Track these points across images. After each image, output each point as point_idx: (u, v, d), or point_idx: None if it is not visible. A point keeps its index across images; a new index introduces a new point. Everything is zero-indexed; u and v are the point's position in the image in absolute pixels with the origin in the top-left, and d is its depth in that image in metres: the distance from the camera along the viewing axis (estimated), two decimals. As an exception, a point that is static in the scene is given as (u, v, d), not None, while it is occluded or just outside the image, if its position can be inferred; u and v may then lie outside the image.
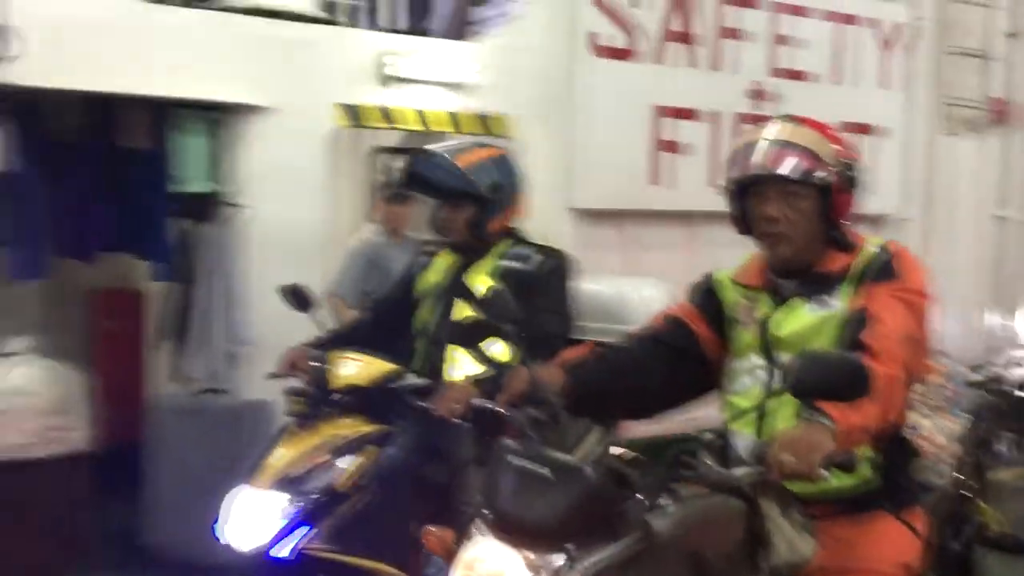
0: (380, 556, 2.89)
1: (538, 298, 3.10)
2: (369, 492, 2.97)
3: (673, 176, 6.14)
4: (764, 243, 2.22)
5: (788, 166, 2.15)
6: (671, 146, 6.11)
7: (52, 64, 4.16)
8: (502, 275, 3.24)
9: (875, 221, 7.21)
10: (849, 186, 2.20)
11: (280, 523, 2.90)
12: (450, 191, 3.32)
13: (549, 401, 2.09)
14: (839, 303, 2.15)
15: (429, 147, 3.69)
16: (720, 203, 7.01)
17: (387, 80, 5.19)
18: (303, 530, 2.87)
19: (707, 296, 2.39)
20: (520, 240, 3.47)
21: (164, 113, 4.73)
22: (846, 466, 1.84)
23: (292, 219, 4.88)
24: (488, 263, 3.33)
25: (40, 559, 4.35)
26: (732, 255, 6.88)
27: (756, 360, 2.21)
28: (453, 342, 3.13)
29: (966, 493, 3.49)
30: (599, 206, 5.94)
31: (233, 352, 4.70)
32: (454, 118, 5.45)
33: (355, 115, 5.11)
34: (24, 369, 4.72)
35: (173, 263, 4.91)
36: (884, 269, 2.14)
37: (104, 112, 4.72)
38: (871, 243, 2.23)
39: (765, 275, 2.27)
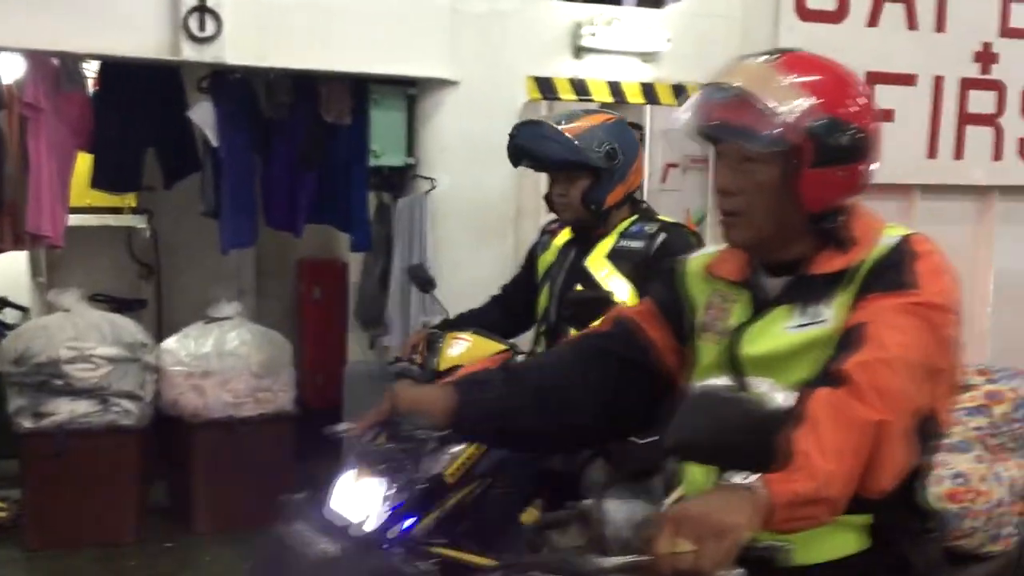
0: (489, 549, 2.77)
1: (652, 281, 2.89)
2: (482, 483, 2.79)
3: (887, 147, 5.70)
4: (721, 223, 1.69)
5: (724, 122, 1.58)
6: (887, 115, 5.68)
7: (255, 43, 4.36)
8: (618, 255, 3.02)
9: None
10: (840, 156, 1.59)
11: (384, 511, 2.77)
12: (560, 163, 3.06)
13: (408, 432, 1.61)
14: (832, 317, 1.57)
15: (536, 117, 3.49)
16: (941, 175, 6.61)
17: (580, 51, 5.11)
18: (408, 520, 2.78)
19: (672, 290, 1.83)
20: (644, 215, 3.17)
21: (362, 89, 4.87)
22: (774, 562, 1.27)
23: (483, 193, 4.92)
24: (608, 242, 3.08)
25: (248, 510, 4.64)
26: (957, 231, 6.45)
27: (719, 384, 1.64)
28: (570, 323, 2.92)
29: None
30: (801, 179, 5.62)
31: (424, 322, 4.81)
32: (647, 89, 5.31)
33: (547, 87, 5.07)
34: (237, 333, 5.04)
35: (369, 235, 5.06)
36: (894, 272, 1.56)
37: (309, 89, 4.91)
38: (888, 235, 1.64)
39: (750, 268, 1.71)
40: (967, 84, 5.84)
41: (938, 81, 5.78)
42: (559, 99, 5.23)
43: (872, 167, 1.66)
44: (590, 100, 5.38)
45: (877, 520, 1.60)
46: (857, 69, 5.93)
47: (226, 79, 4.80)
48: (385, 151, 4.85)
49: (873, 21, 5.61)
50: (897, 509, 1.59)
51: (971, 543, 2.32)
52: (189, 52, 4.22)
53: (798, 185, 1.58)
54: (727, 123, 1.59)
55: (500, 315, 3.40)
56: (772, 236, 1.63)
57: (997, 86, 5.92)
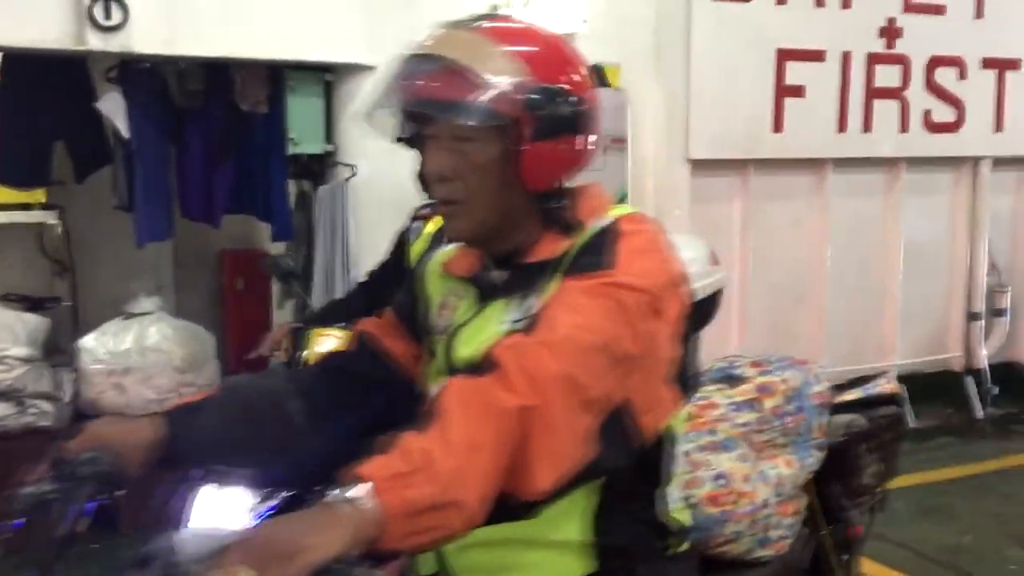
0: None
1: None
2: None
3: (799, 122, 5.86)
4: (438, 214, 1.54)
5: (433, 98, 1.41)
6: (796, 91, 5.82)
7: (164, 31, 4.27)
8: None
9: (1021, 163, 6.75)
10: (561, 129, 1.44)
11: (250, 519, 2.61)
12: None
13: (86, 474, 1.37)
14: (539, 308, 1.40)
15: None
16: (851, 149, 6.82)
17: (496, 33, 5.12)
18: None
19: (411, 293, 1.68)
20: None
21: (278, 76, 4.80)
22: None
23: (405, 179, 4.88)
24: None
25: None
26: (867, 205, 6.64)
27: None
28: None
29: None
30: (718, 156, 5.73)
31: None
32: (565, 70, 5.35)
33: (465, 71, 5.08)
34: (157, 328, 4.94)
35: (290, 223, 5.01)
36: (594, 253, 1.41)
37: (222, 77, 4.82)
38: (607, 216, 1.49)
39: (479, 262, 1.56)
40: (873, 59, 6.02)
41: (846, 57, 5.93)
42: (478, 82, 5.25)
43: (593, 139, 1.50)
44: (508, 82, 5.41)
45: (602, 539, 1.43)
46: (768, 46, 6.11)
47: (135, 68, 4.69)
48: (303, 139, 4.80)
49: (782, -1, 5.73)
50: (627, 524, 1.45)
51: (737, 549, 2.13)
52: (95, 41, 4.10)
53: (519, 162, 1.43)
54: (436, 98, 1.41)
55: (365, 304, 3.26)
56: (496, 224, 1.47)
57: (902, 60, 6.10)
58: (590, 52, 5.55)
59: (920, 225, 6.38)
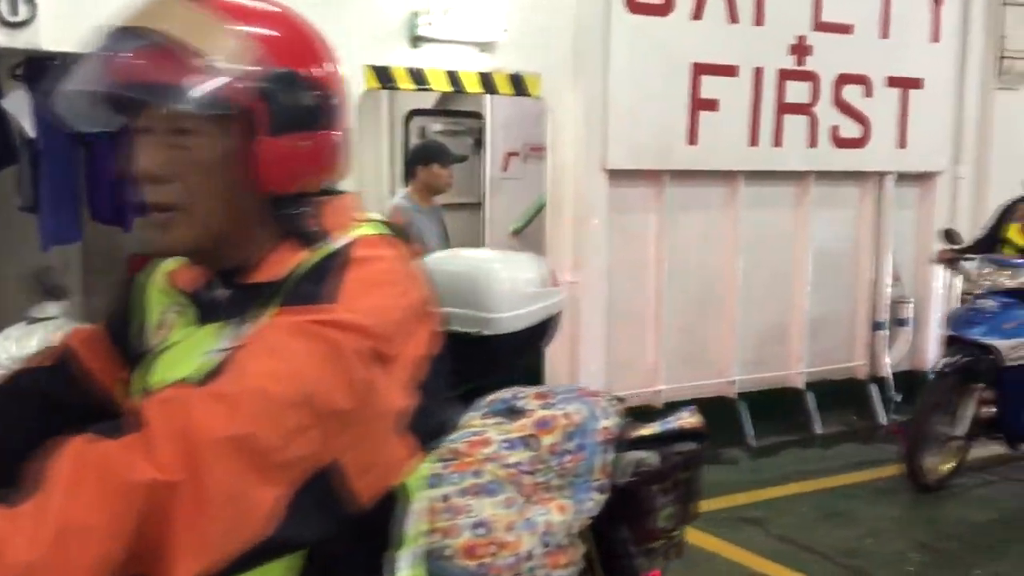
0: None
1: None
2: None
3: (713, 135, 6.00)
4: (150, 223, 1.28)
5: (141, 81, 1.17)
6: (710, 104, 5.96)
7: (73, 28, 4.14)
8: None
9: (924, 179, 7.03)
10: (303, 122, 1.24)
11: None
12: None
13: None
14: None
15: None
16: (763, 162, 7.00)
17: (417, 40, 5.12)
18: None
19: (126, 305, 1.47)
20: None
21: (193, 77, 4.71)
22: None
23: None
24: None
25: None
26: (777, 217, 6.79)
27: None
28: None
29: None
30: (634, 166, 5.83)
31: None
32: (486, 78, 5.37)
33: (385, 77, 5.05)
34: (45, 334, 4.77)
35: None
36: (315, 282, 1.19)
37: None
38: (347, 235, 1.26)
39: (204, 276, 1.34)
40: (784, 75, 6.20)
41: (758, 72, 6.10)
42: (397, 88, 5.23)
43: (339, 137, 1.30)
44: (428, 89, 5.40)
45: None
46: (684, 60, 6.25)
47: (43, 66, 4.54)
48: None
49: (698, 14, 5.87)
50: None
51: None
52: (0, 38, 3.97)
53: (250, 160, 1.21)
54: (146, 81, 1.17)
55: None
56: (221, 234, 1.25)
57: (812, 77, 6.30)
58: (511, 61, 5.65)
59: (828, 237, 6.59)
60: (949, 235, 5.74)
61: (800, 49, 6.24)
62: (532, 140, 6.40)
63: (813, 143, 6.37)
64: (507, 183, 6.64)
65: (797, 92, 6.25)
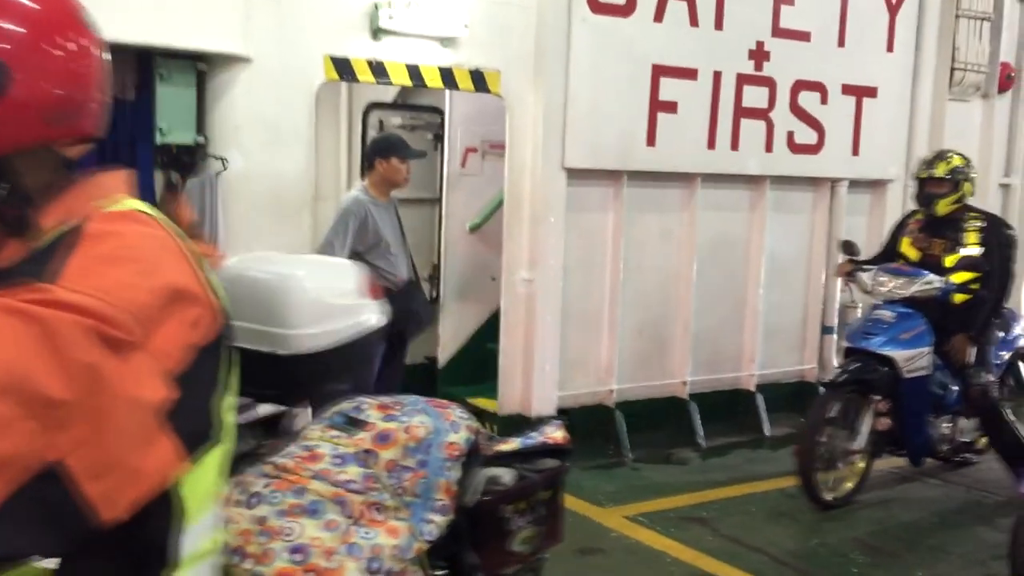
0: None
1: None
2: None
3: (672, 137, 6.04)
4: None
5: None
6: (670, 106, 6.00)
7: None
8: None
9: (876, 186, 7.14)
10: None
11: None
12: None
13: None
14: None
15: None
16: (720, 165, 7.01)
17: (378, 33, 5.08)
18: None
19: None
20: None
21: (148, 62, 4.63)
22: None
23: (278, 173, 4.81)
24: None
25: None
26: (734, 218, 6.82)
27: None
28: None
29: None
30: (593, 166, 5.85)
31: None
32: (446, 73, 5.35)
33: (345, 68, 5.01)
34: None
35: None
36: (42, 259, 1.07)
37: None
38: (98, 207, 1.15)
39: None
40: (743, 79, 6.26)
41: (717, 76, 6.15)
42: (357, 80, 5.19)
43: (32, 107, 1.12)
44: (388, 83, 5.37)
45: None
46: (645, 61, 6.24)
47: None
48: (173, 128, 4.65)
49: (659, 17, 5.90)
50: None
51: None
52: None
53: None
54: None
55: None
56: None
57: (769, 82, 6.37)
58: (471, 57, 5.62)
59: (781, 242, 6.67)
60: (847, 247, 5.59)
61: (759, 54, 6.30)
62: (491, 137, 6.39)
63: (769, 148, 6.43)
64: (465, 179, 6.63)
65: (755, 97, 6.32)
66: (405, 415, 1.95)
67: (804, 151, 6.59)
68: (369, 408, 1.96)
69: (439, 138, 6.68)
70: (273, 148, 4.79)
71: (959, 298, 5.17)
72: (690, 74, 6.05)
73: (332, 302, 1.92)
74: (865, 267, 5.39)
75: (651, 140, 5.97)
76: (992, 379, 5.21)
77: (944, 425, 5.35)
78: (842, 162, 6.81)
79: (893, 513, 5.21)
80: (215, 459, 1.18)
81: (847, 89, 6.70)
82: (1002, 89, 7.60)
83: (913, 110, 7.11)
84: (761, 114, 6.37)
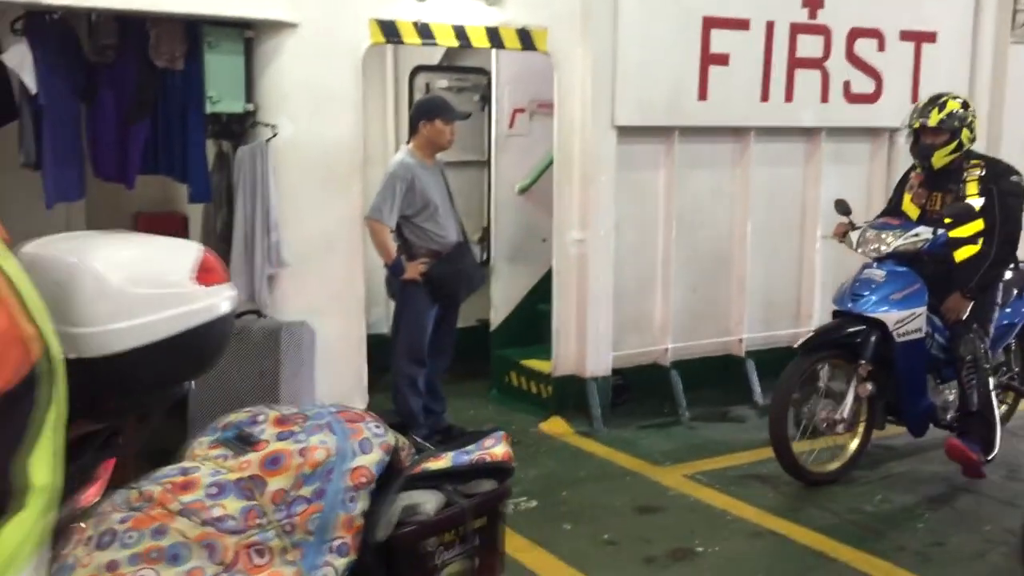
0: None
1: None
2: None
3: (723, 90, 5.91)
4: None
5: None
6: (721, 59, 5.86)
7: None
8: None
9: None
10: None
11: None
12: None
13: None
14: None
15: None
16: (773, 118, 6.85)
17: (423, -6, 5.02)
18: None
19: None
20: None
21: (196, 31, 4.63)
22: None
23: (327, 139, 4.80)
24: None
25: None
26: (786, 173, 6.72)
27: None
28: None
29: None
30: (644, 123, 5.75)
31: (269, 274, 4.69)
32: (492, 33, 5.28)
33: (391, 31, 4.97)
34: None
35: (208, 185, 4.86)
36: None
37: (136, 31, 4.63)
38: None
39: None
40: (796, 29, 6.09)
41: (770, 26, 5.99)
42: (403, 43, 5.15)
43: None
44: (435, 44, 5.32)
45: None
46: (695, 14, 6.10)
47: (44, 20, 4.47)
48: (223, 97, 4.65)
49: (709, -33, 5.74)
50: None
51: None
52: (-1, -9, 3.90)
53: None
54: None
55: None
56: None
57: (824, 30, 6.19)
58: (518, 15, 5.54)
59: (838, 194, 6.48)
60: (841, 206, 5.10)
61: (812, 2, 6.13)
62: (540, 96, 6.31)
63: (825, 98, 6.27)
64: (514, 140, 6.56)
65: (809, 46, 6.15)
66: (304, 432, 1.68)
67: (861, 101, 6.41)
68: (266, 422, 1.71)
69: (486, 99, 6.61)
70: (321, 114, 4.78)
71: (962, 254, 4.75)
72: (742, 25, 5.90)
73: (144, 291, 1.54)
74: (860, 225, 4.99)
75: (703, 94, 5.85)
76: (983, 346, 4.73)
77: (949, 392, 4.90)
78: (900, 111, 6.56)
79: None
80: (14, 532, 0.97)
81: (905, 35, 6.49)
82: (1068, 30, 7.30)
83: (974, 54, 6.86)
84: (816, 64, 6.20)
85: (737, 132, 6.12)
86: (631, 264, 5.89)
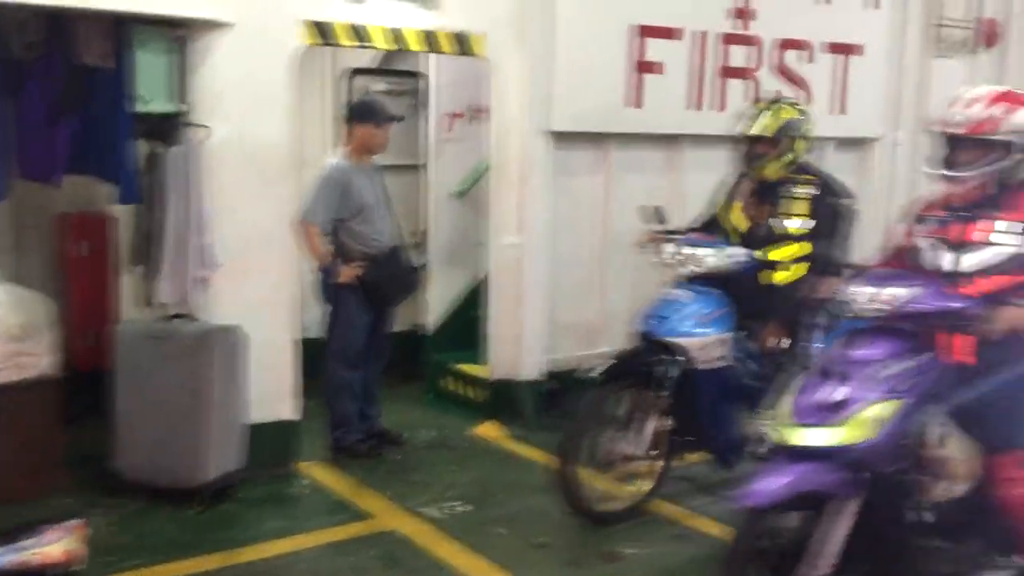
0: None
1: None
2: None
3: (657, 98, 6.00)
4: None
5: None
6: (652, 67, 5.95)
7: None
8: None
9: (862, 145, 7.11)
10: None
11: None
12: None
13: None
14: None
15: None
16: (702, 125, 6.90)
17: (358, -4, 5.00)
18: None
19: None
20: None
21: (124, 30, 4.55)
22: None
23: (260, 140, 4.74)
24: None
25: (7, 483, 4.33)
26: (713, 179, 6.83)
27: None
28: None
29: None
30: (580, 128, 5.81)
31: (201, 276, 4.62)
32: (428, 37, 5.28)
33: (326, 32, 4.94)
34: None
35: (138, 186, 4.78)
36: None
37: (65, 29, 4.54)
38: None
39: None
40: (728, 39, 6.20)
41: (702, 36, 6.09)
42: (339, 45, 5.12)
43: None
44: (371, 47, 5.30)
45: None
46: (629, 22, 6.15)
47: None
48: (153, 97, 4.57)
49: (641, -24, 5.82)
50: None
51: None
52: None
53: None
54: None
55: None
56: None
57: (754, 41, 6.32)
58: (455, 20, 5.54)
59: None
60: (655, 214, 4.70)
61: (743, 13, 6.25)
62: (477, 101, 6.33)
63: (755, 108, 6.38)
64: (451, 145, 6.57)
65: (740, 56, 6.27)
66: None
67: (790, 110, 6.54)
68: None
69: (423, 103, 6.61)
70: (255, 115, 4.72)
71: (781, 276, 4.42)
72: (675, 34, 5.99)
73: None
74: (674, 237, 4.57)
75: (637, 102, 5.93)
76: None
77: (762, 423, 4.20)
78: (828, 121, 6.77)
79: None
80: None
81: (834, 47, 6.65)
82: (987, 45, 7.56)
83: (899, 67, 7.07)
84: (746, 73, 6.32)
85: (671, 139, 6.21)
86: (567, 268, 5.94)
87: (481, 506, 4.61)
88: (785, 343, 4.38)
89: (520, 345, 5.78)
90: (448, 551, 4.14)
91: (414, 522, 4.44)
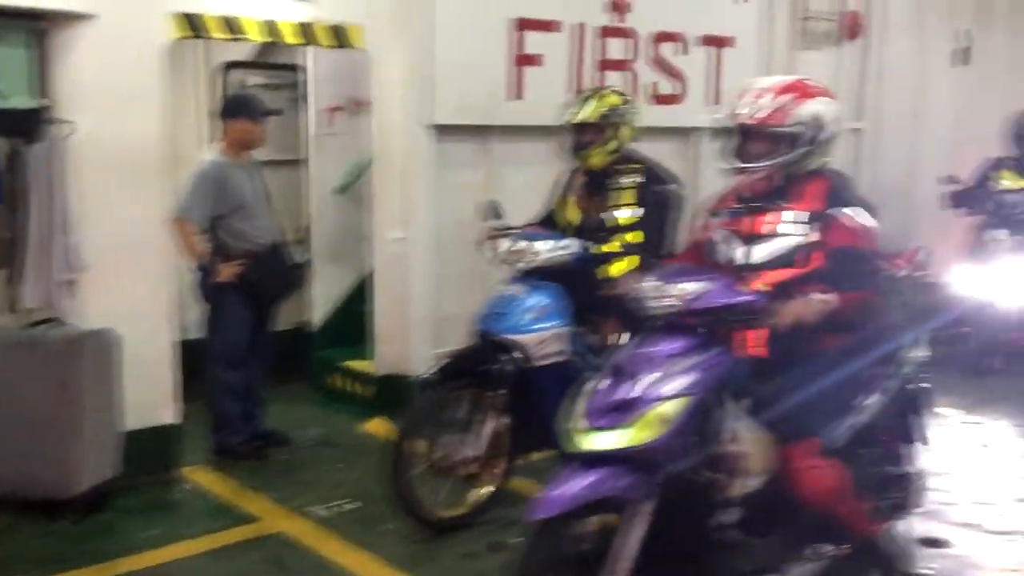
0: None
1: None
2: None
3: (537, 90, 6.04)
4: None
5: None
6: (532, 59, 5.99)
7: None
8: None
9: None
10: None
11: None
12: None
13: None
14: None
15: None
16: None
17: (230, -13, 4.89)
18: None
19: None
20: None
21: (-21, 21, 4.33)
22: None
23: (128, 136, 4.58)
24: None
25: None
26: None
27: None
28: None
29: None
30: (462, 121, 5.81)
31: (69, 279, 4.44)
32: (305, 29, 5.20)
33: (196, 25, 4.81)
34: None
35: (1, 186, 4.56)
36: None
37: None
38: None
39: None
40: (605, 32, 6.30)
41: (580, 28, 6.17)
42: (211, 37, 4.99)
43: None
44: (245, 39, 5.19)
45: None
46: (508, 14, 6.20)
47: None
48: (11, 92, 4.37)
49: (518, -31, 5.85)
50: None
51: None
52: None
53: None
54: None
55: None
56: None
57: (631, 34, 6.43)
58: (333, 12, 5.48)
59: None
60: (492, 209, 4.65)
61: (619, 7, 6.35)
62: (357, 94, 6.26)
63: (633, 99, 6.50)
64: (331, 139, 6.49)
65: (617, 49, 6.37)
66: None
67: (667, 102, 6.70)
68: None
69: (302, 97, 6.50)
70: (122, 110, 4.56)
71: (617, 268, 4.35)
72: (553, 27, 6.05)
73: None
74: (511, 232, 4.52)
75: (518, 94, 5.96)
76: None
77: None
78: (704, 112, 6.95)
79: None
80: None
81: (707, 40, 6.83)
82: (851, 37, 7.90)
83: (768, 59, 7.31)
84: (624, 65, 6.43)
85: (552, 131, 6.25)
86: (452, 262, 5.93)
87: (369, 503, 4.58)
88: (625, 337, 4.14)
89: (407, 339, 5.76)
90: (335, 549, 4.10)
91: (301, 523, 4.38)
